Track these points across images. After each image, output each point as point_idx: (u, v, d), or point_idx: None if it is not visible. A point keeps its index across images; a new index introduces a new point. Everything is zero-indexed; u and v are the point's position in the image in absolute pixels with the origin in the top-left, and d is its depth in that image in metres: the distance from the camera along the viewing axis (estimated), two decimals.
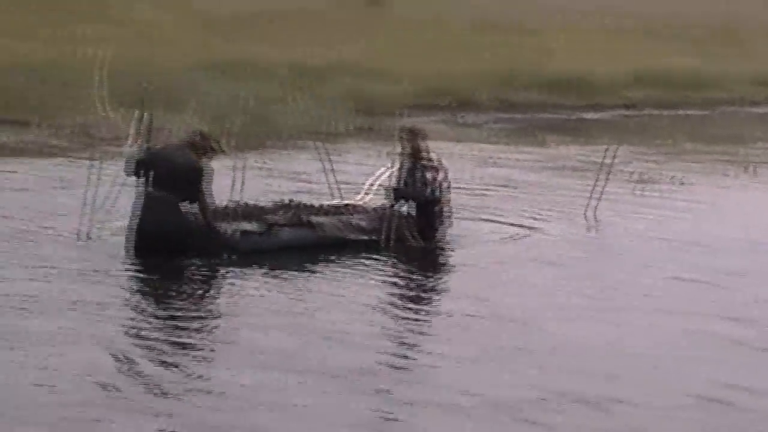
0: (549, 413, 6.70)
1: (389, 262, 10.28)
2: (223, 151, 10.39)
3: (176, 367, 7.37)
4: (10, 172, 13.59)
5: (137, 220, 9.95)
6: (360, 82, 18.94)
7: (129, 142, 10.31)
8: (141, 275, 9.63)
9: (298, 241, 10.29)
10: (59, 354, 7.48)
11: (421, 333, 8.53)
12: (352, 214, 10.74)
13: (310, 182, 12.86)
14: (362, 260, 10.22)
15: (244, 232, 10.13)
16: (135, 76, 15.76)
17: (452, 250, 10.78)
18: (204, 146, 10.10)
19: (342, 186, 11.54)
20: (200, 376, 7.21)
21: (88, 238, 10.27)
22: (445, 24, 24.39)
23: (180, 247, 9.87)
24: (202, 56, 18.44)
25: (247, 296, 9.17)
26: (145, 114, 10.23)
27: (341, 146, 15.37)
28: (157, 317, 8.53)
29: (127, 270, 9.67)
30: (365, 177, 11.57)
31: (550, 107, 20.53)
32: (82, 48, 17.64)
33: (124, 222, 10.13)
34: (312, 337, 8.08)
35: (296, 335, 8.16)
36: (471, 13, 25.50)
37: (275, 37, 20.69)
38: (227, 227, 10.10)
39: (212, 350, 7.88)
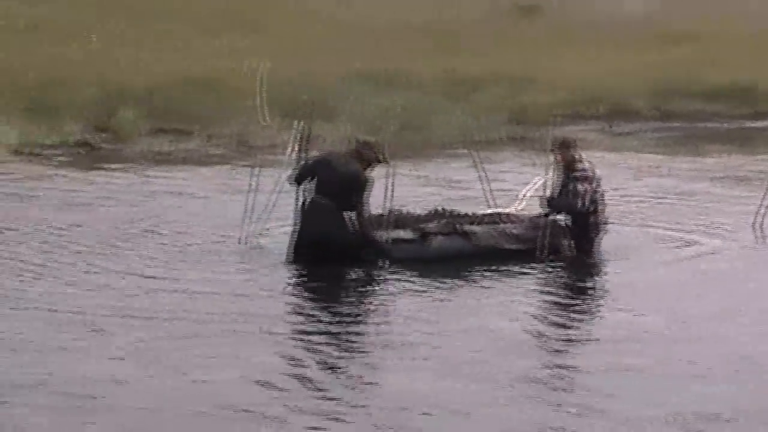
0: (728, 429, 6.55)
1: (546, 272, 10.12)
2: (387, 162, 10.37)
3: (344, 372, 7.44)
4: (173, 179, 13.86)
5: (299, 227, 10.05)
6: (513, 91, 18.76)
7: (288, 151, 10.46)
8: (301, 281, 9.73)
9: (451, 250, 10.20)
10: (230, 355, 7.66)
11: (586, 342, 8.44)
12: (506, 224, 10.59)
13: (463, 190, 12.78)
14: (519, 270, 10.08)
15: (397, 240, 10.13)
16: (291, 86, 16.17)
17: (610, 261, 10.54)
18: (370, 157, 10.14)
19: (496, 195, 11.39)
20: (370, 382, 7.29)
21: (249, 243, 10.42)
22: (599, 33, 24.06)
23: (339, 255, 9.91)
24: (356, 67, 18.49)
25: (410, 303, 9.15)
26: (303, 124, 10.37)
27: (495, 155, 15.18)
28: (321, 322, 8.62)
29: (288, 275, 9.80)
30: (519, 186, 11.51)
31: (710, 116, 19.94)
32: (239, 60, 17.85)
33: (284, 228, 10.26)
34: (479, 345, 8.05)
35: (462, 342, 8.11)
36: (626, 21, 25.11)
37: (429, 47, 20.65)
38: (381, 235, 10.11)
39: (379, 356, 7.89)
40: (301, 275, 9.84)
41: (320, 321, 8.65)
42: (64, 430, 6.55)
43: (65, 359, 7.62)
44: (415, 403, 6.84)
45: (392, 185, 10.43)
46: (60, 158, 14.66)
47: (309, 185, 10.09)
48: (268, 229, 10.65)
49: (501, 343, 8.09)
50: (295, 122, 10.54)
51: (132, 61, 17.44)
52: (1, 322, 8.30)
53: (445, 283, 9.76)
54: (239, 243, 10.41)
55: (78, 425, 6.57)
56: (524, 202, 11.03)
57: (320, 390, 7.08)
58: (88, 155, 15.01)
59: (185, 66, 17.52)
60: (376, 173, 10.35)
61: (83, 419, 6.62)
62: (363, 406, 6.83)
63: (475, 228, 10.40)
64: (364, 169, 10.07)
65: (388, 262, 10.01)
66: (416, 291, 9.50)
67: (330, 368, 7.52)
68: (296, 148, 10.34)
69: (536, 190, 10.85)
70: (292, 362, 7.63)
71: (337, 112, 15.55)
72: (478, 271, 10.02)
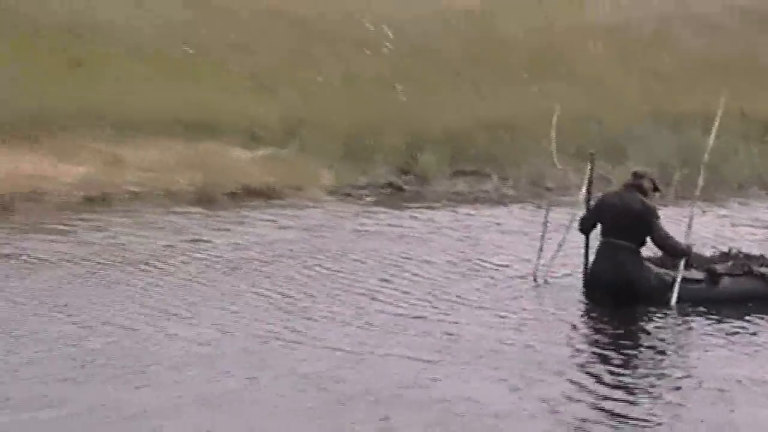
0: None
1: None
2: (659, 191, 10.28)
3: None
4: (469, 217, 13.97)
5: (593, 266, 9.99)
6: None
7: (581, 193, 10.45)
8: (592, 320, 9.63)
9: (742, 293, 9.89)
10: (515, 387, 7.61)
11: None
12: None
13: (758, 232, 12.39)
14: None
15: (688, 280, 9.87)
16: (582, 130, 16.10)
17: None
18: (647, 186, 10.03)
19: None
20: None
21: (541, 281, 10.41)
22: None
23: (630, 295, 9.74)
24: (647, 109, 18.25)
25: (704, 349, 8.87)
26: (591, 167, 10.37)
27: None
28: (609, 364, 8.42)
29: (579, 314, 9.73)
30: None
31: None
32: (533, 105, 17.89)
33: (576, 267, 10.22)
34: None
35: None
36: None
37: (725, 88, 20.15)
38: (670, 274, 9.87)
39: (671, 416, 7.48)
40: (589, 314, 9.76)
41: (607, 359, 8.49)
42: None
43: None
44: None
45: (689, 225, 10.21)
46: (369, 197, 14.99)
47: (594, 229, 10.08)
48: (556, 268, 10.59)
49: None
50: (587, 165, 10.52)
51: (434, 108, 17.66)
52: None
53: (738, 326, 9.40)
54: (532, 280, 10.45)
55: None
56: None
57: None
58: (394, 195, 15.29)
59: (483, 111, 17.71)
60: (672, 213, 10.21)
61: None
62: None
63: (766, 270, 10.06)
64: (645, 198, 9.95)
65: (676, 302, 9.74)
66: (718, 336, 9.19)
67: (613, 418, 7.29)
68: (587, 190, 10.34)
69: None
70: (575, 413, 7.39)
71: (628, 153, 15.35)
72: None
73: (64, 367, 7.95)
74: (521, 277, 10.59)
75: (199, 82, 18.00)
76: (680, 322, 9.54)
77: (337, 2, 23.46)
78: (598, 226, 10.05)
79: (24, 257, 11.08)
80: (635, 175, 10.20)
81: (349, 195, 14.97)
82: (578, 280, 10.07)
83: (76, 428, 7.01)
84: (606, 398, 7.59)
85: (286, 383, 7.75)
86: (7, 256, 11.15)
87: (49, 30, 19.65)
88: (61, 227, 12.41)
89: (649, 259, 9.98)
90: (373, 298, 9.97)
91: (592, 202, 10.24)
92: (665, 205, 10.54)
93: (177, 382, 7.74)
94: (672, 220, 10.39)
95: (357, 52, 20.62)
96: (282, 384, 7.76)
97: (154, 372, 7.95)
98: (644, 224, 9.82)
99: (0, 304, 9.47)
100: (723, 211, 14.44)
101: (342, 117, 16.84)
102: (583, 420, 7.22)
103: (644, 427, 7.15)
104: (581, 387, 7.80)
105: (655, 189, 10.12)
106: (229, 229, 12.69)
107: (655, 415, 7.35)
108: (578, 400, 7.52)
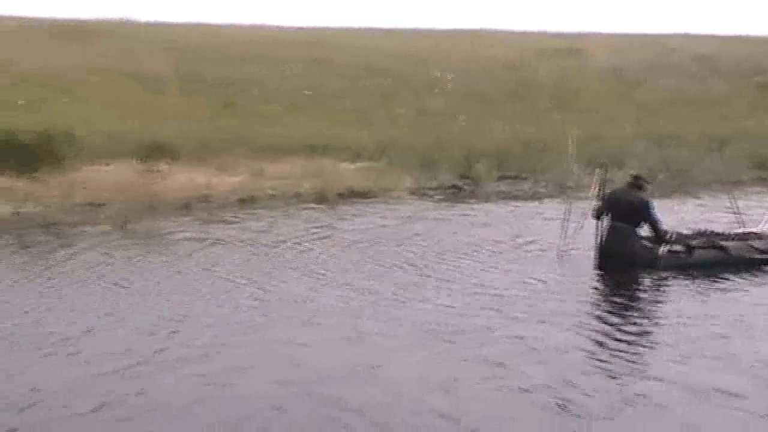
0: None
1: None
2: (650, 183, 10.19)
3: (641, 365, 6.80)
4: (513, 209, 13.85)
5: (602, 244, 9.84)
6: (755, 146, 17.82)
7: (591, 190, 10.27)
8: (601, 281, 9.46)
9: (711, 260, 9.74)
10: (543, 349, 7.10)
11: None
12: (753, 240, 10.09)
13: (720, 216, 12.19)
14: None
15: (671, 252, 9.75)
16: (592, 145, 16.03)
17: None
18: (641, 184, 9.94)
19: (744, 219, 10.89)
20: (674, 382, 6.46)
21: (563, 256, 10.23)
22: None
23: (629, 263, 9.62)
24: (639, 131, 18.08)
25: (689, 304, 8.56)
26: (601, 171, 10.20)
27: (741, 191, 14.47)
28: (617, 316, 8.15)
29: (592, 280, 9.52)
30: (763, 212, 11.04)
31: None
32: (555, 128, 17.82)
33: (588, 245, 10.04)
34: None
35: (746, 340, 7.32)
36: None
37: (692, 115, 19.87)
38: (657, 248, 9.75)
39: (681, 354, 7.00)
40: (600, 279, 9.54)
41: (617, 315, 8.19)
42: None
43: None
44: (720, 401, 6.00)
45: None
46: (438, 196, 14.91)
47: (605, 216, 9.92)
48: (574, 246, 10.35)
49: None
50: (597, 170, 10.36)
51: (484, 131, 17.67)
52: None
53: (721, 286, 9.14)
54: (555, 256, 10.27)
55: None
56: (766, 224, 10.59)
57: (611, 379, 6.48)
58: (456, 194, 15.21)
59: (519, 133, 17.65)
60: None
61: None
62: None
63: (729, 243, 9.96)
64: (640, 192, 9.84)
65: (661, 270, 9.56)
66: (693, 294, 8.92)
67: (627, 362, 6.80)
68: (597, 188, 10.15)
69: None
70: (592, 359, 6.91)
71: (625, 163, 15.17)
72: (735, 277, 9.40)
73: (249, 316, 7.90)
74: (549, 251, 10.50)
75: (316, 116, 18.23)
76: (664, 281, 9.37)
77: (411, 55, 23.60)
78: (607, 214, 9.91)
79: (208, 240, 11.10)
80: (634, 177, 10.09)
81: (424, 194, 14.89)
82: (591, 253, 9.90)
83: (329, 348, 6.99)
84: (613, 337, 7.38)
85: (403, 325, 7.58)
86: (193, 239, 11.21)
87: (211, 82, 20.06)
88: (226, 219, 12.48)
89: (643, 237, 9.86)
90: (458, 265, 9.82)
91: (603, 200, 10.06)
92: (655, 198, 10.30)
93: (340, 322, 7.65)
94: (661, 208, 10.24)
95: (428, 91, 20.81)
96: (404, 325, 7.58)
97: (326, 313, 7.91)
98: (641, 213, 9.73)
99: (197, 272, 9.45)
100: (693, 202, 14.28)
101: (418, 139, 16.93)
102: (596, 348, 7.06)
103: (655, 354, 6.98)
104: (591, 328, 7.68)
105: (648, 182, 10.04)
106: (344, 219, 12.71)
107: (658, 345, 7.20)
108: (591, 339, 7.36)
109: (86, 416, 5.73)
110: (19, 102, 16.58)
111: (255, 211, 13.10)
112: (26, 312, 7.89)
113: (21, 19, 25.63)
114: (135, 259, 10.00)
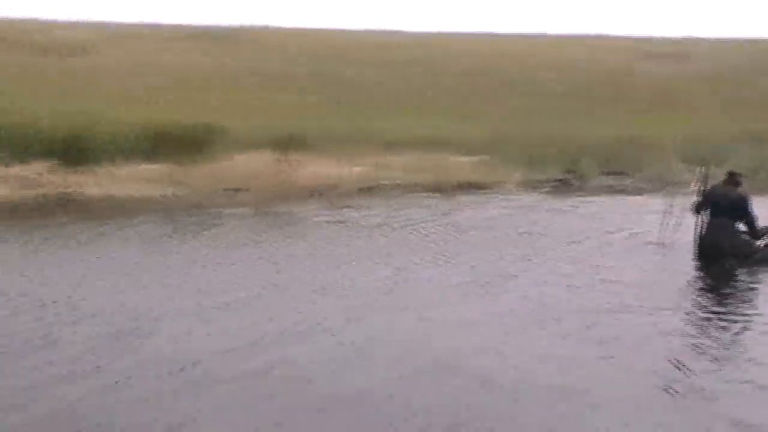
0: None
1: None
2: (744, 178, 10.03)
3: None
4: (617, 202, 14.05)
5: (704, 235, 9.83)
6: None
7: (692, 186, 10.28)
8: (702, 275, 9.44)
9: None
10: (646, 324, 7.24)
11: None
12: None
13: None
14: None
15: (765, 245, 9.72)
16: (693, 144, 15.96)
17: None
18: (738, 180, 9.88)
19: None
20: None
21: (665, 246, 10.31)
22: None
23: (727, 256, 9.60)
24: (739, 131, 18.06)
25: None
26: (703, 168, 10.25)
27: None
28: (710, 298, 8.31)
29: (692, 271, 9.55)
30: None
31: None
32: (656, 128, 17.91)
33: (688, 238, 10.08)
34: None
35: None
36: None
37: None
38: (754, 242, 9.76)
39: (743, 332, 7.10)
40: (701, 268, 9.57)
41: (718, 303, 8.24)
42: None
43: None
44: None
45: None
46: (546, 189, 15.19)
47: (704, 211, 9.89)
48: (676, 237, 10.43)
49: None
50: (697, 168, 10.40)
51: (590, 130, 17.89)
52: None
53: None
54: (657, 246, 10.32)
55: None
56: None
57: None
58: (563, 188, 15.51)
59: (622, 131, 17.82)
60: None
61: None
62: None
63: None
64: (736, 188, 9.79)
65: (753, 262, 9.54)
66: None
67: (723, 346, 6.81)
68: (697, 185, 10.12)
69: None
70: (690, 346, 6.86)
71: (725, 161, 15.30)
72: None
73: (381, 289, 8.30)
74: (653, 242, 10.56)
75: (431, 113, 18.70)
76: (761, 274, 9.37)
77: (519, 58, 23.99)
78: (706, 209, 9.88)
79: (340, 223, 11.63)
80: (730, 174, 9.98)
81: (533, 187, 15.19)
82: (691, 246, 9.92)
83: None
84: (716, 325, 7.38)
85: (523, 305, 7.84)
86: (325, 222, 11.77)
87: (336, 82, 20.70)
88: (352, 205, 13.01)
89: (741, 232, 9.82)
90: (574, 251, 10.05)
91: (703, 196, 10.00)
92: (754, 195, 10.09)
93: (464, 302, 7.87)
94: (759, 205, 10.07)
95: (535, 92, 21.16)
96: (523, 305, 7.86)
97: (453, 293, 8.19)
98: (739, 208, 9.69)
99: (333, 250, 9.87)
100: None
101: (527, 136, 17.17)
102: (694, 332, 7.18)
103: (757, 340, 6.96)
104: (695, 316, 7.76)
105: (742, 180, 9.93)
106: (461, 208, 13.07)
107: (760, 332, 7.14)
108: (695, 325, 7.45)
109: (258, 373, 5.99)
110: (167, 98, 17.58)
111: (377, 199, 13.58)
112: (190, 281, 8.36)
113: (178, 26, 27.64)
114: (274, 239, 10.52)
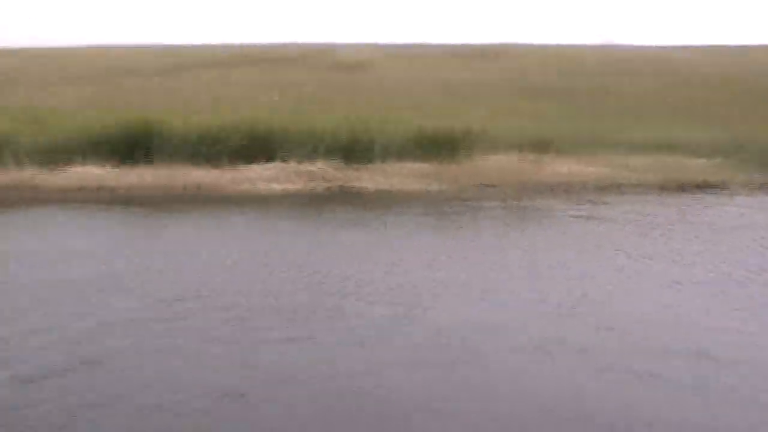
0: None
1: None
2: None
3: None
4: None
5: None
6: None
7: None
8: None
9: None
10: None
11: None
12: None
13: None
14: None
15: None
16: None
17: None
18: None
19: None
20: None
21: None
22: None
23: None
24: None
25: None
26: None
27: None
28: None
29: None
30: None
31: None
32: None
33: None
34: None
35: None
36: None
37: None
38: None
39: None
40: None
41: None
42: None
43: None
44: None
45: None
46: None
47: None
48: None
49: None
50: None
51: None
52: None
53: None
54: None
55: None
56: None
57: None
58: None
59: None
60: None
61: None
62: None
63: None
64: None
65: None
66: None
67: None
68: None
69: None
70: None
71: None
72: None
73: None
74: None
75: (663, 120, 18.96)
76: None
77: (753, 69, 23.61)
78: None
79: (588, 217, 12.05)
80: None
81: (757, 188, 15.27)
82: None
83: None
84: None
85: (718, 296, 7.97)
86: (573, 216, 12.35)
87: (582, 92, 21.46)
88: (594, 201, 13.64)
89: None
90: None
91: None
92: None
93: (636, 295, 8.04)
94: None
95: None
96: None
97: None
98: None
99: (589, 242, 10.39)
100: None
101: (755, 140, 17.01)
102: None
103: None
104: None
105: None
106: (699, 206, 13.24)
107: None
108: None
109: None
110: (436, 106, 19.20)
111: (619, 197, 14.09)
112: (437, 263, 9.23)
113: (444, 45, 30.30)
114: (526, 230, 11.30)
